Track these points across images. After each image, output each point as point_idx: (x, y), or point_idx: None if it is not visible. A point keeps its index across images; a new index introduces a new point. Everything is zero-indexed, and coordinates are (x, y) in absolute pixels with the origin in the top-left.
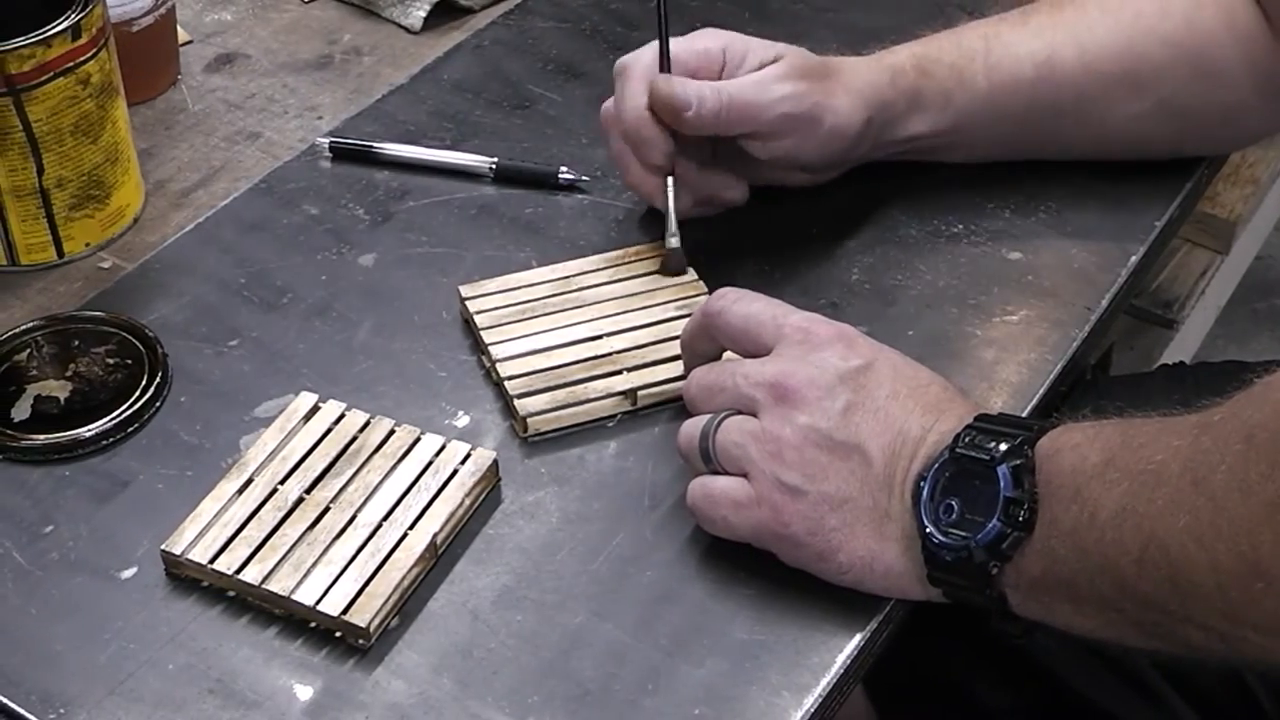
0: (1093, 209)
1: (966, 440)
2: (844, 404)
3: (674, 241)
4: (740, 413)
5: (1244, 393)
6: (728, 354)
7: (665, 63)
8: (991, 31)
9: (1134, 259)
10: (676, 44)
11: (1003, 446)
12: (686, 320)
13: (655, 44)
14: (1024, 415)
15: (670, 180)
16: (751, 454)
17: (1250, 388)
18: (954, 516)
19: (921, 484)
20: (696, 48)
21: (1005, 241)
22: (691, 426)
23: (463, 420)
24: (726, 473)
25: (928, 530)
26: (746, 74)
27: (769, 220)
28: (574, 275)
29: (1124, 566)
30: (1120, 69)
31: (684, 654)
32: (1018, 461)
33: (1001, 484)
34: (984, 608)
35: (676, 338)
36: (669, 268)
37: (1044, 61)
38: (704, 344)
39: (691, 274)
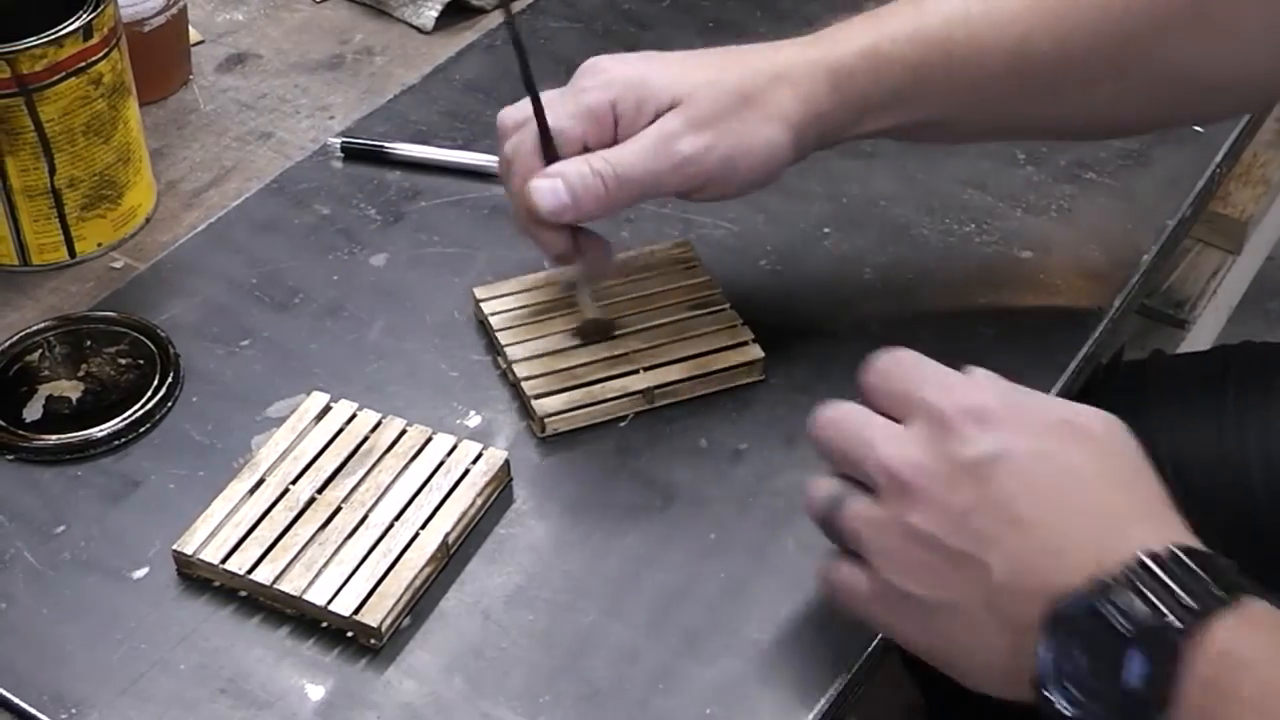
0: (1104, 208)
1: (1114, 593)
2: (963, 503)
3: (593, 312)
4: (866, 486)
5: None
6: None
7: (546, 146)
8: (960, 13)
9: (1146, 259)
10: (557, 108)
11: (1147, 619)
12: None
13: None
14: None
15: (578, 261)
16: (867, 546)
17: None
18: (1078, 669)
19: (1050, 625)
20: (581, 108)
21: (1017, 241)
22: (820, 495)
23: (474, 420)
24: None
25: (1046, 691)
26: (644, 128)
27: (781, 219)
28: (587, 274)
29: None
30: (1109, 49)
31: (695, 653)
32: (1159, 646)
33: (1126, 671)
34: None
35: (693, 336)
36: (587, 334)
37: (1015, 51)
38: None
39: (705, 273)
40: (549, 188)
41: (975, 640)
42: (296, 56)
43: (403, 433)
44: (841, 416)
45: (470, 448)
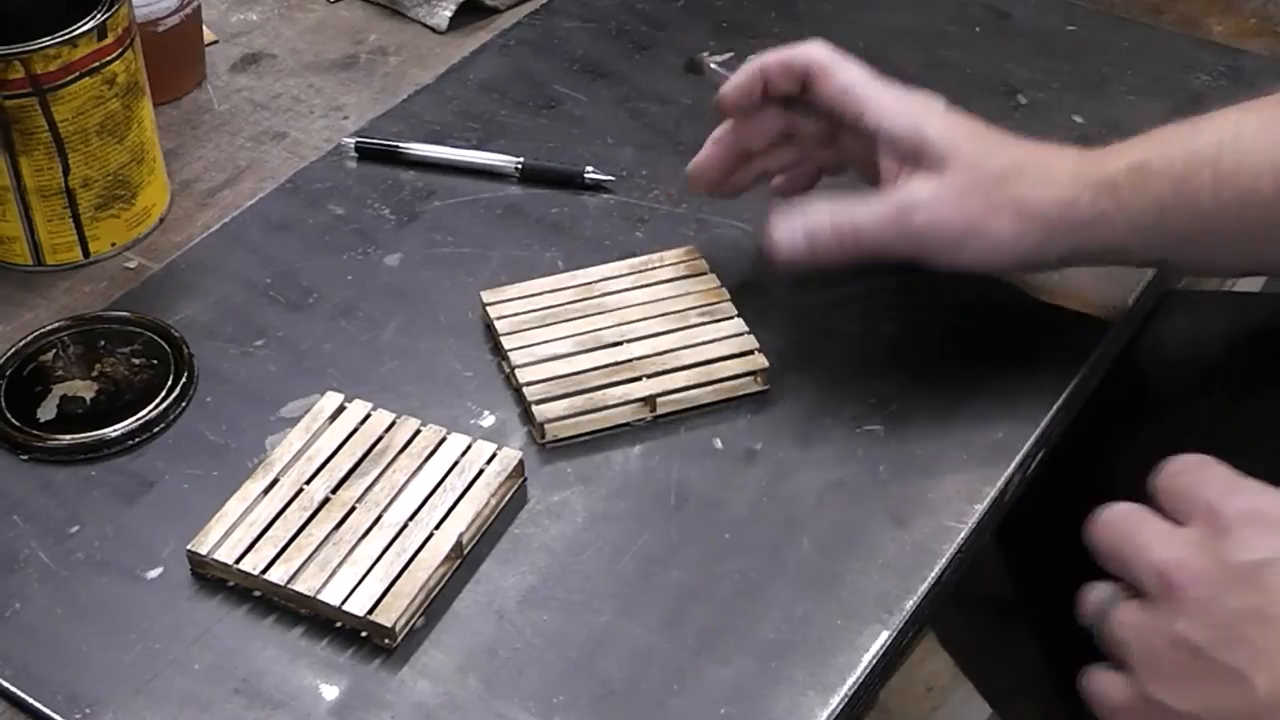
0: None
1: None
2: (1233, 610)
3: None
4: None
5: None
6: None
7: None
8: (1231, 132)
9: None
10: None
11: None
12: (708, 337)
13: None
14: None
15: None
16: (1130, 650)
17: None
18: None
19: None
20: (876, 119)
21: None
22: (1094, 599)
23: (488, 420)
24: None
25: None
26: (891, 172)
27: None
28: (596, 281)
29: None
30: None
31: (710, 653)
32: None
33: None
34: None
35: (697, 344)
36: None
37: None
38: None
39: (714, 280)
40: (789, 235)
41: None
42: (311, 56)
43: (417, 433)
44: (1120, 516)
45: (484, 448)
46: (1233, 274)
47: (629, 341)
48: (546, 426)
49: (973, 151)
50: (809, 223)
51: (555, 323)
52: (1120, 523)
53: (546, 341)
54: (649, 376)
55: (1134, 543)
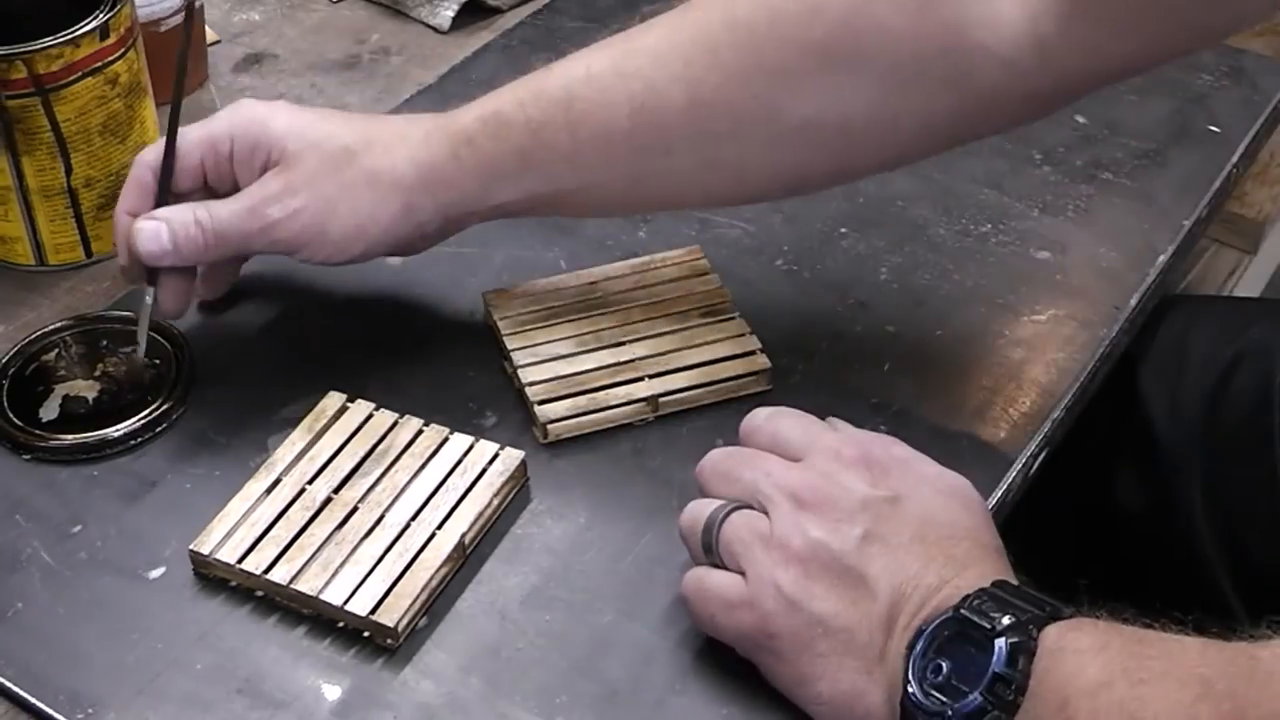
0: (1121, 208)
1: (974, 604)
2: (862, 532)
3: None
4: (750, 508)
5: (1247, 673)
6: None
7: (164, 183)
8: (581, 72)
9: (1162, 259)
10: (189, 131)
11: (1007, 620)
12: (704, 325)
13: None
14: (1025, 586)
15: (149, 294)
16: (755, 554)
17: (1255, 667)
18: (940, 678)
19: (919, 636)
20: (203, 135)
21: (1033, 241)
22: (697, 510)
23: (491, 420)
24: (725, 567)
25: (910, 688)
26: (250, 178)
27: (797, 219)
28: (599, 281)
29: None
30: (748, 95)
31: (713, 654)
32: (1017, 639)
33: (995, 657)
34: None
35: (700, 344)
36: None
37: (637, 103)
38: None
39: (716, 281)
40: (152, 231)
41: (853, 666)
42: (313, 56)
43: (419, 432)
44: (733, 451)
45: (487, 447)
46: (612, 212)
47: (631, 342)
48: (549, 427)
49: (317, 135)
50: (172, 218)
51: (558, 323)
52: (737, 454)
53: (549, 342)
54: (651, 377)
55: (758, 468)
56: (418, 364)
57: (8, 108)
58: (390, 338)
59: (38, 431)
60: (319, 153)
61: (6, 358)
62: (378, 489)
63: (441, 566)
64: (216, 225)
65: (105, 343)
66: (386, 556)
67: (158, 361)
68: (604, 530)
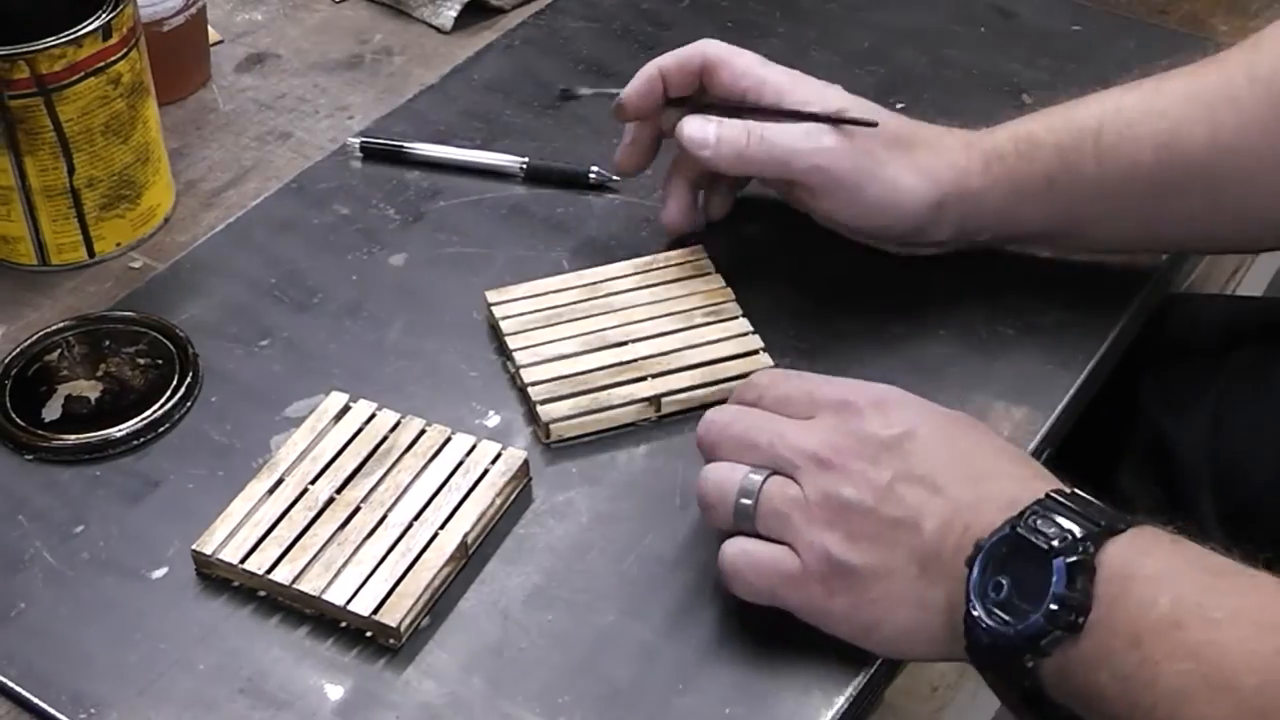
0: None
1: (1029, 520)
2: (890, 475)
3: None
4: (775, 473)
5: None
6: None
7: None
8: (1112, 106)
9: (1165, 258)
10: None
11: (1063, 537)
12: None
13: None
14: (1092, 500)
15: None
16: (795, 523)
17: None
18: (1002, 595)
19: (977, 554)
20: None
21: None
22: (724, 474)
23: (493, 420)
24: (761, 536)
25: (973, 608)
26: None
27: (801, 217)
28: (601, 281)
29: None
30: (1264, 145)
31: (715, 653)
32: (1076, 558)
33: (1055, 578)
34: (1022, 693)
35: (702, 344)
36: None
37: (1165, 144)
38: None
39: (719, 280)
40: (699, 123)
41: (909, 602)
42: (316, 56)
43: (422, 432)
44: (740, 413)
45: (489, 448)
46: (1121, 249)
47: (634, 341)
48: (551, 427)
49: (870, 112)
50: (723, 123)
51: (560, 322)
52: (745, 417)
53: (551, 341)
54: (654, 376)
55: (770, 431)
56: (420, 364)
57: (10, 108)
58: (393, 337)
59: (40, 432)
60: (886, 127)
61: (9, 358)
62: (380, 489)
63: (444, 566)
64: (763, 134)
65: (108, 343)
66: (389, 556)
67: (160, 362)
68: (606, 530)
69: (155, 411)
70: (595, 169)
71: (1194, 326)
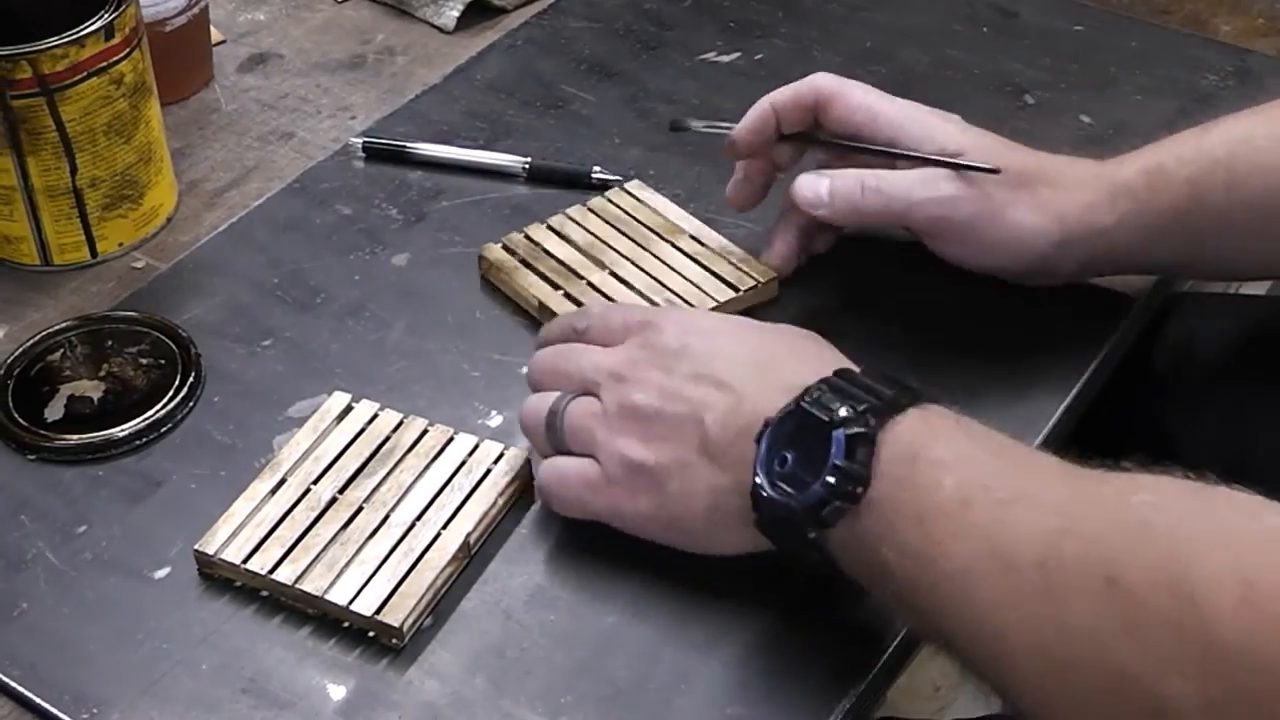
0: None
1: (813, 396)
2: (677, 376)
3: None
4: (586, 394)
5: (1118, 518)
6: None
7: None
8: (1241, 134)
9: None
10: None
11: (845, 411)
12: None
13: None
14: (905, 384)
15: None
16: (597, 435)
17: (1126, 514)
18: (786, 468)
19: (764, 430)
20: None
21: None
22: (537, 403)
23: (496, 420)
24: (573, 454)
25: (758, 480)
26: (927, 153)
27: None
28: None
29: (947, 625)
30: None
31: (717, 653)
32: (857, 430)
33: (834, 449)
34: (815, 566)
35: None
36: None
37: None
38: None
39: (674, 208)
40: (812, 181)
41: (702, 491)
42: (318, 56)
43: (424, 433)
44: (557, 349)
45: (492, 448)
46: (1248, 277)
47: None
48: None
49: (990, 152)
50: (835, 177)
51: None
52: (559, 354)
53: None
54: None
55: (574, 356)
56: (423, 364)
57: (13, 108)
58: (395, 337)
59: (43, 432)
60: (1008, 167)
61: (12, 358)
62: (382, 489)
63: (446, 566)
64: (878, 184)
65: (110, 343)
66: (391, 556)
67: (162, 362)
68: (609, 530)
69: (157, 411)
70: (598, 169)
71: (1199, 325)
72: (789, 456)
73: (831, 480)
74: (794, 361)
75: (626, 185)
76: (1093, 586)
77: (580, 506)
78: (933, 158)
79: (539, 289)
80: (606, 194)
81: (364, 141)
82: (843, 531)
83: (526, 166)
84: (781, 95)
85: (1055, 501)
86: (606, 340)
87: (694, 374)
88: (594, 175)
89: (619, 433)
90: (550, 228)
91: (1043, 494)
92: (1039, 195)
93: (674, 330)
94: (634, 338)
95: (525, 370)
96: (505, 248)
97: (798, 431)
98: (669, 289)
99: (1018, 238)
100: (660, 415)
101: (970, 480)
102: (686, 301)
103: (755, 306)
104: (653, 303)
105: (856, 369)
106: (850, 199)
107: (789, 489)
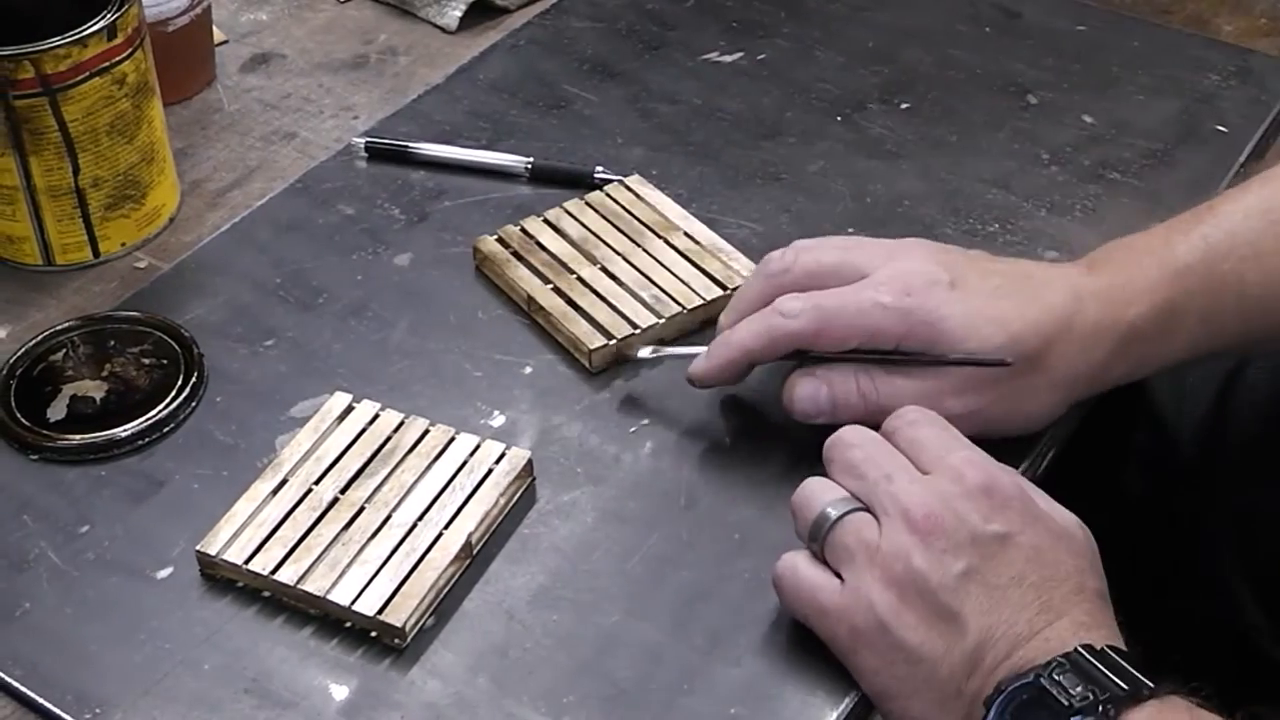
0: (1129, 209)
1: (1055, 673)
2: (964, 567)
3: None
4: (867, 509)
5: None
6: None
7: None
8: (1248, 248)
9: None
10: (860, 314)
11: (1087, 696)
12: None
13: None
14: (1129, 662)
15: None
16: (858, 565)
17: None
18: None
19: (997, 695)
20: (871, 327)
21: (1041, 241)
22: (814, 492)
23: (498, 420)
24: (823, 559)
25: None
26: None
27: (805, 219)
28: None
29: None
30: None
31: (720, 653)
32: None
33: None
34: None
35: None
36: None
37: None
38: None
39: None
40: (811, 390)
41: (929, 699)
42: (320, 56)
43: (426, 433)
44: (869, 440)
45: (493, 447)
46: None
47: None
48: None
49: (1003, 339)
50: (835, 389)
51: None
52: (870, 445)
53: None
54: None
55: (883, 469)
56: (424, 364)
57: (15, 108)
58: (397, 337)
59: (45, 432)
60: (1011, 345)
61: (14, 358)
62: (384, 489)
63: (448, 566)
64: (881, 399)
65: (113, 343)
66: (393, 556)
67: (164, 362)
68: (611, 530)
69: (160, 412)
70: (600, 169)
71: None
72: None
73: None
74: (1068, 617)
75: (626, 180)
76: None
77: (803, 618)
78: (942, 361)
79: (529, 283)
80: (606, 189)
81: (366, 141)
82: None
83: (529, 166)
84: (754, 339)
85: None
86: (914, 454)
87: (982, 576)
88: (596, 175)
89: (881, 579)
90: (546, 221)
91: None
92: (1051, 372)
93: (984, 504)
94: (943, 480)
95: (826, 449)
96: (499, 240)
97: (1032, 705)
98: (657, 285)
99: (1033, 421)
100: (930, 596)
101: None
102: (673, 299)
103: None
104: (639, 299)
105: (1105, 642)
106: (851, 412)
107: None
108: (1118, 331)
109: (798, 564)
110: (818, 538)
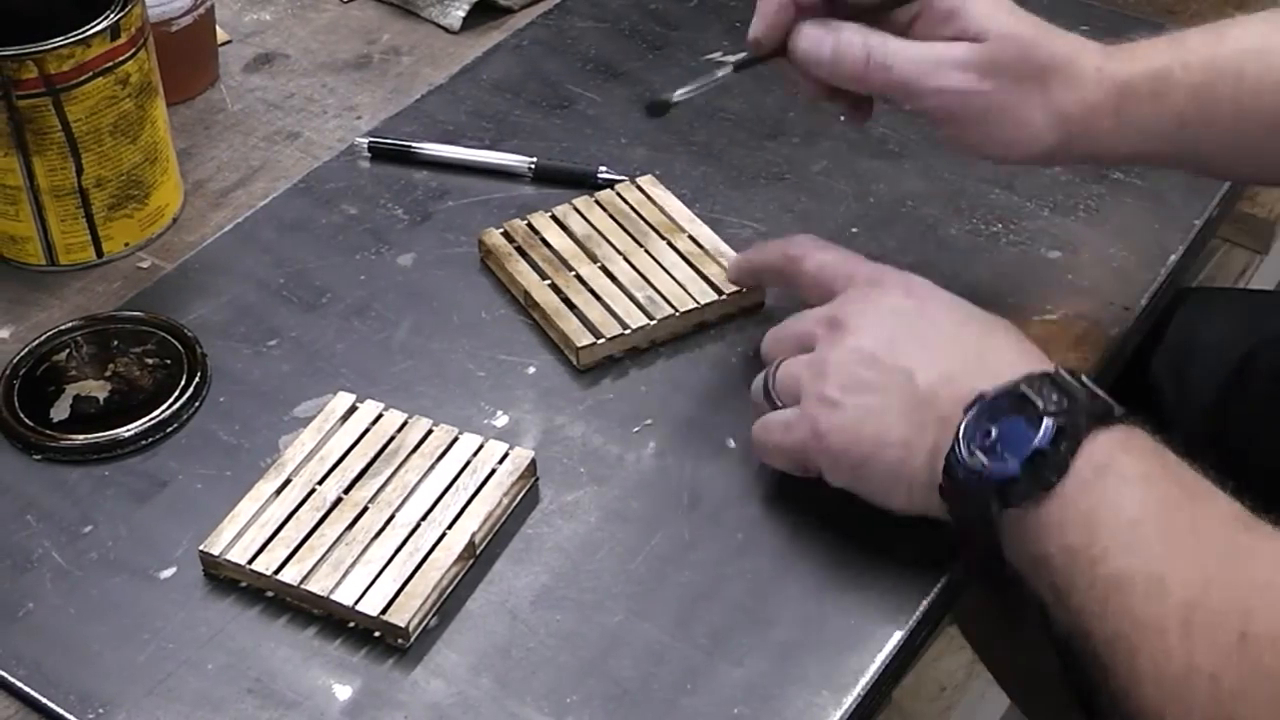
0: (1132, 208)
1: (1034, 384)
2: (893, 331)
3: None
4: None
5: (1271, 566)
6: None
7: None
8: (1255, 42)
9: (1173, 258)
10: None
11: (1062, 403)
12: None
13: None
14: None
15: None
16: (802, 380)
17: (1256, 568)
18: (987, 442)
19: (976, 401)
20: None
21: (1044, 240)
22: (759, 376)
23: (501, 420)
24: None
25: (959, 446)
26: (929, 34)
27: (808, 219)
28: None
29: (1093, 626)
30: None
31: (723, 653)
32: (1066, 423)
33: (1041, 434)
34: (980, 543)
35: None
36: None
37: None
38: (772, 279)
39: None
40: (816, 37)
41: (896, 443)
42: (324, 56)
43: (429, 432)
44: (780, 324)
45: (497, 447)
46: (1252, 182)
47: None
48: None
49: (1028, 37)
50: (841, 39)
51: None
52: (784, 323)
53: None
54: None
55: (800, 319)
56: (428, 364)
57: (19, 108)
58: (400, 337)
59: (49, 432)
60: (1023, 57)
61: (18, 358)
62: (388, 489)
63: (452, 566)
64: (886, 59)
65: (116, 343)
66: (397, 556)
67: (168, 362)
68: (614, 530)
69: (163, 411)
70: (603, 169)
71: (1205, 322)
72: (993, 431)
73: (1032, 461)
74: (1010, 353)
75: (638, 180)
76: (1226, 639)
77: (778, 453)
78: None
79: (527, 278)
80: (617, 188)
81: (370, 141)
82: (1019, 514)
83: (532, 166)
84: None
85: (1218, 548)
86: (821, 286)
87: (916, 335)
88: (600, 175)
89: (822, 374)
90: (553, 217)
91: (1210, 537)
92: (1050, 92)
93: (898, 291)
94: (858, 290)
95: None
96: (505, 234)
97: (1009, 409)
98: (654, 286)
99: (1023, 136)
100: (875, 362)
101: (1148, 503)
102: (667, 301)
103: (739, 312)
104: (634, 300)
105: (1092, 376)
106: (853, 70)
107: (985, 460)
108: (1114, 81)
109: (763, 419)
110: (770, 392)
